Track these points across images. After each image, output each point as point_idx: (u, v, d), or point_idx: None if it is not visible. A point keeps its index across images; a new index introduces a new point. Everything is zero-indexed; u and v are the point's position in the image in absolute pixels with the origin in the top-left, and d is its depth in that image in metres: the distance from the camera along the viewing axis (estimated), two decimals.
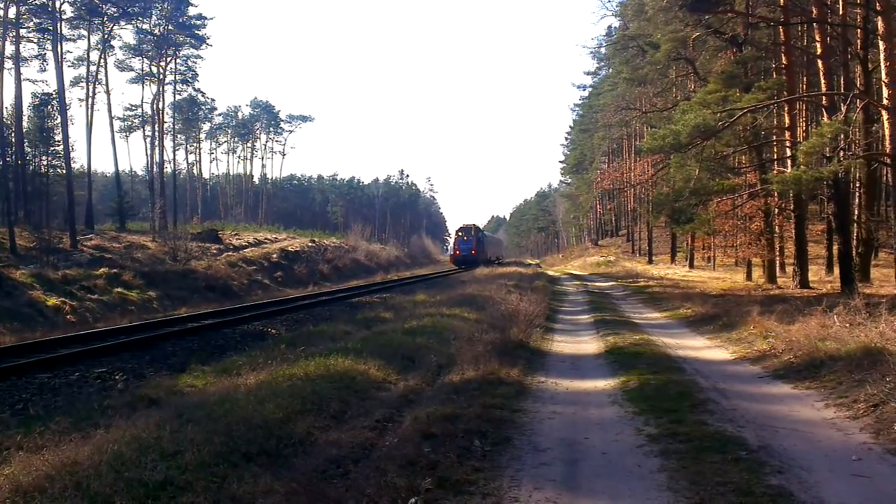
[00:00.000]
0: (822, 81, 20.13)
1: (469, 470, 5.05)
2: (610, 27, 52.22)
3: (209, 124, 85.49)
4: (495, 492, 4.69)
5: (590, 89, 72.57)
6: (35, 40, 39.04)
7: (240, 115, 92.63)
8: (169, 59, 51.67)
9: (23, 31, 36.93)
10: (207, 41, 54.02)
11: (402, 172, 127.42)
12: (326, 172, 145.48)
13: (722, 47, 26.17)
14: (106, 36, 44.29)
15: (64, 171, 37.76)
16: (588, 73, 75.51)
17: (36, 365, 9.85)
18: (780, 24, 22.43)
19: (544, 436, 6.16)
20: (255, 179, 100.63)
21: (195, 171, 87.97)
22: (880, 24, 17.22)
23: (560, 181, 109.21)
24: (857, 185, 24.24)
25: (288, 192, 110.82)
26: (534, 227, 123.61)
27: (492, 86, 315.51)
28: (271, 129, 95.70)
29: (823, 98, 20.01)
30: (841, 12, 20.46)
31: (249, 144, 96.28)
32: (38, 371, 9.55)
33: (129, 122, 61.69)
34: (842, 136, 16.97)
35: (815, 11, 20.60)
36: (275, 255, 39.72)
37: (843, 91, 19.57)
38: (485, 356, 8.89)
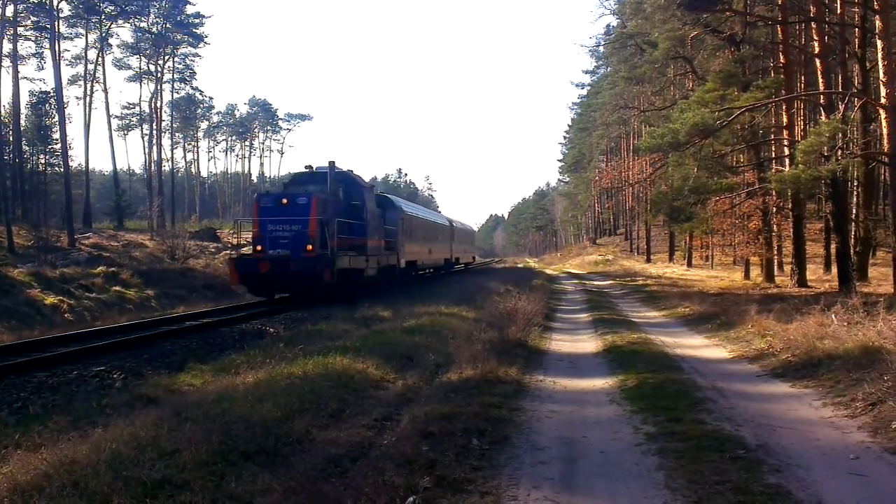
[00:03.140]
0: (820, 80, 20.16)
1: (467, 469, 5.05)
2: (608, 26, 52.35)
3: (207, 123, 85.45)
4: (493, 490, 4.69)
5: (588, 88, 72.74)
6: (33, 38, 39.09)
7: (237, 113, 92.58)
8: (167, 57, 51.70)
9: (20, 30, 36.93)
10: (205, 39, 54.16)
11: (400, 171, 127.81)
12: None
13: (720, 46, 26.18)
14: (104, 34, 44.31)
15: (62, 170, 37.77)
16: (586, 72, 75.57)
17: (34, 363, 9.83)
18: (778, 22, 22.46)
19: (542, 434, 6.17)
20: (254, 178, 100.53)
21: (193, 170, 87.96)
22: (878, 23, 17.24)
23: (558, 180, 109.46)
24: (855, 184, 24.28)
25: None
26: (532, 225, 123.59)
27: (490, 84, 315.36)
28: (269, 127, 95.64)
29: (821, 97, 20.04)
30: (839, 11, 20.46)
31: (247, 143, 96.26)
32: (36, 370, 9.53)
33: (127, 121, 61.83)
34: (840, 134, 16.99)
35: (813, 10, 20.62)
36: None
37: (840, 90, 19.57)
38: (483, 355, 8.88)
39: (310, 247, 17.01)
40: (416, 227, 27.37)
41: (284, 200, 17.68)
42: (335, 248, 17.45)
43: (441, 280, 29.92)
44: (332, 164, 19.76)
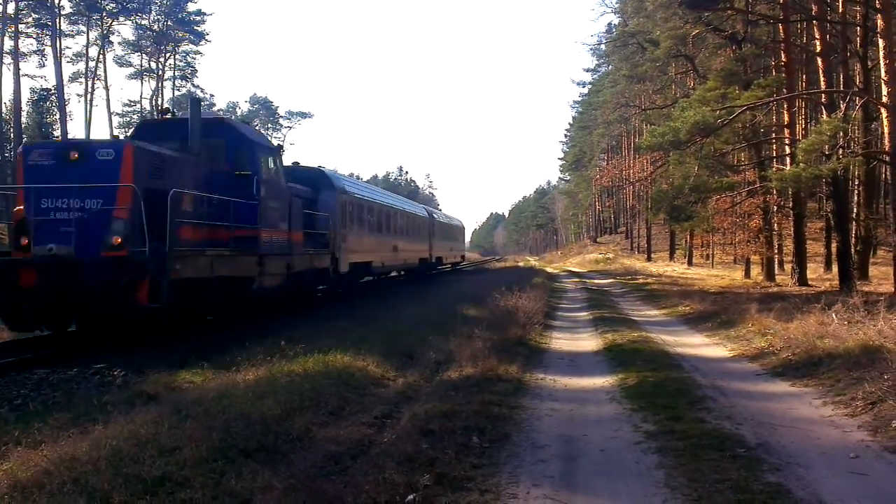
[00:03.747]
0: (822, 79, 20.15)
1: (467, 466, 5.05)
2: (610, 24, 52.24)
3: None
4: (493, 488, 4.69)
5: (589, 86, 72.58)
6: (34, 36, 39.19)
7: (239, 111, 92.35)
8: (168, 54, 51.76)
9: (22, 27, 36.98)
10: (206, 37, 54.09)
11: (400, 169, 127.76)
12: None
13: (721, 45, 26.19)
14: (105, 31, 44.38)
15: None
16: (588, 70, 75.31)
17: (34, 361, 9.83)
18: (780, 21, 22.46)
19: (542, 432, 6.17)
20: None
21: None
22: (880, 22, 17.22)
23: (559, 178, 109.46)
24: (856, 183, 24.31)
25: None
26: (532, 224, 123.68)
27: (491, 82, 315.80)
28: (270, 125, 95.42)
29: (823, 96, 20.03)
30: (840, 10, 20.47)
31: None
32: (36, 367, 9.53)
33: (129, 118, 61.62)
34: (841, 133, 17.01)
35: (814, 9, 20.63)
36: None
37: (842, 89, 19.56)
38: (483, 353, 8.88)
39: (116, 238, 9.60)
40: (368, 216, 20.57)
41: (74, 154, 9.80)
42: (178, 241, 10.19)
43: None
44: (196, 102, 12.69)
